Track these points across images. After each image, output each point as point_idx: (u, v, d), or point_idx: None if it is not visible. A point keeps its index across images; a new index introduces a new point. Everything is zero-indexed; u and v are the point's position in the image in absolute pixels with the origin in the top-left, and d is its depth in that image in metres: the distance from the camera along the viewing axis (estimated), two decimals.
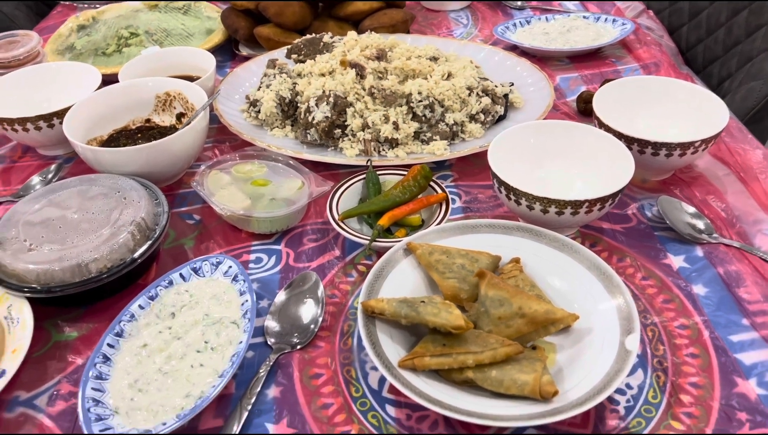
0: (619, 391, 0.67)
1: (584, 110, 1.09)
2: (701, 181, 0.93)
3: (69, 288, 0.75)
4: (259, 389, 0.68)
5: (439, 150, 0.97)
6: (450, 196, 0.92)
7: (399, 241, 0.79)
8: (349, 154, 0.98)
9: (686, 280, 0.78)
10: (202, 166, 0.92)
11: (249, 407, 0.66)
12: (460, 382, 0.65)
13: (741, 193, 0.90)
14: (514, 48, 1.28)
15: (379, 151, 0.98)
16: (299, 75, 1.09)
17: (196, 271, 0.79)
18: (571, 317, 0.68)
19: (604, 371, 0.63)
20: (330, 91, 1.00)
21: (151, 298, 0.76)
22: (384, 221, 0.83)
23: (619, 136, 0.87)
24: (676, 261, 0.81)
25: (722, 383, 0.67)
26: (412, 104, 0.99)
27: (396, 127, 0.97)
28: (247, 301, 0.74)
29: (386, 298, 0.70)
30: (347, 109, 1.00)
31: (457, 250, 0.77)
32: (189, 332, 0.72)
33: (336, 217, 0.84)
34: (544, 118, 1.01)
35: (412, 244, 0.77)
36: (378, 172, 0.93)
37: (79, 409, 0.64)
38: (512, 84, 1.11)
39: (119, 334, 0.72)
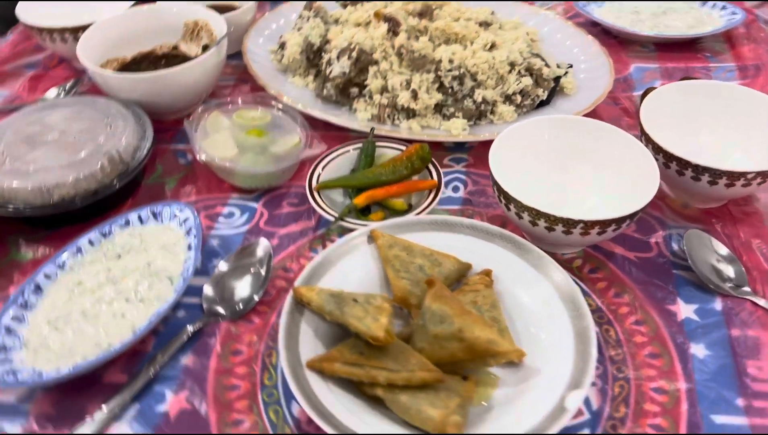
0: None
1: None
2: (754, 219, 0.77)
3: (28, 210, 0.74)
4: (172, 353, 0.64)
5: (456, 129, 0.87)
6: (454, 184, 0.83)
7: (364, 224, 0.72)
8: (360, 116, 0.90)
9: (688, 335, 0.65)
10: (202, 106, 0.88)
11: (153, 372, 0.63)
12: (370, 397, 0.58)
13: None
14: (595, 25, 1.12)
15: (393, 120, 0.89)
16: (336, 21, 1.01)
17: (155, 215, 0.76)
18: (515, 353, 0.58)
19: (530, 425, 0.54)
20: (356, 44, 0.92)
21: (104, 235, 0.74)
22: (360, 200, 0.75)
23: (657, 149, 0.73)
24: (685, 310, 0.68)
25: None
26: (440, 72, 0.89)
27: (415, 95, 0.88)
28: (190, 259, 0.70)
29: (320, 287, 0.63)
30: (370, 68, 0.91)
31: (422, 249, 0.68)
32: (126, 278, 0.70)
33: (313, 184, 0.78)
34: (589, 113, 0.88)
35: (375, 232, 0.69)
36: (381, 145, 0.84)
37: None
38: (570, 66, 0.98)
39: (61, 266, 0.71)
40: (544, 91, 0.91)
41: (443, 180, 0.83)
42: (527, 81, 0.89)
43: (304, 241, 0.77)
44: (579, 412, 0.59)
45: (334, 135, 0.90)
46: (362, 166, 0.80)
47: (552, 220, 0.66)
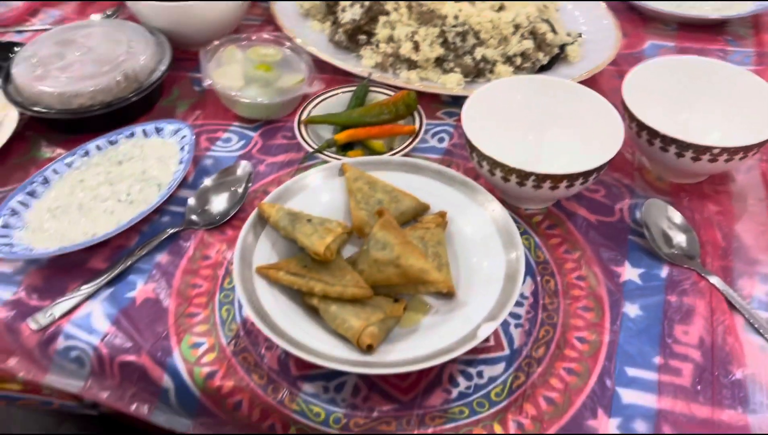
0: (466, 375, 0.61)
1: None
2: (722, 198, 0.78)
3: (50, 113, 0.83)
4: (149, 250, 0.72)
5: (451, 83, 0.90)
6: (440, 135, 0.87)
7: (338, 159, 0.77)
8: (365, 63, 0.94)
9: (625, 295, 0.68)
10: (222, 39, 0.95)
11: (129, 263, 0.70)
12: (309, 307, 0.64)
13: (761, 226, 0.74)
14: None
15: (395, 69, 0.93)
16: None
17: (158, 130, 0.83)
18: (444, 284, 0.63)
19: (439, 347, 0.59)
20: None
21: (111, 143, 0.82)
22: (341, 136, 0.80)
23: (631, 117, 0.75)
24: (629, 272, 0.70)
25: (580, 409, 0.59)
26: (444, 28, 0.92)
27: (416, 47, 0.91)
28: (179, 171, 0.77)
29: (280, 206, 0.69)
30: (380, 17, 0.95)
31: (384, 185, 0.73)
32: (122, 182, 0.78)
33: (302, 118, 0.83)
34: (590, 82, 0.89)
35: (345, 166, 0.74)
36: (375, 90, 0.89)
37: None
38: (580, 35, 0.99)
39: (69, 165, 0.80)
40: (545, 55, 0.93)
41: (431, 131, 0.87)
42: (528, 44, 0.91)
43: (289, 170, 0.83)
44: (500, 347, 0.64)
45: (339, 79, 0.95)
46: (351, 107, 0.85)
47: (522, 175, 0.69)
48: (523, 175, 0.68)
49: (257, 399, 0.60)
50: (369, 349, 0.58)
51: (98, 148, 0.82)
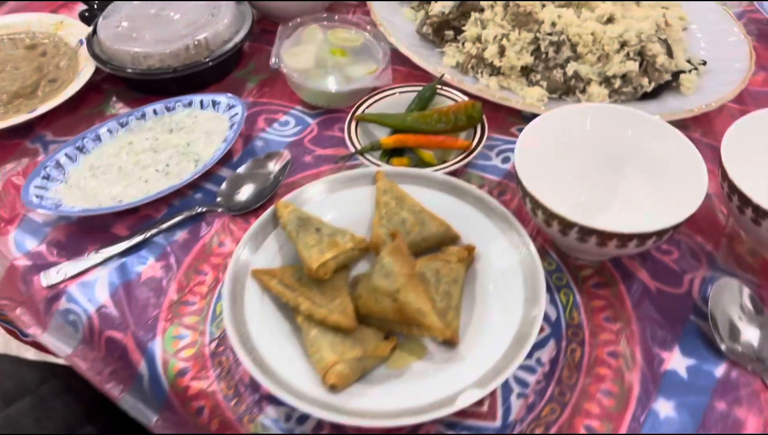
0: None
1: None
2: None
3: (125, 70, 0.84)
4: (168, 226, 0.71)
5: (531, 97, 0.80)
6: (506, 154, 0.78)
7: (378, 164, 0.71)
8: (446, 61, 0.86)
9: (662, 388, 0.57)
10: (305, 17, 0.91)
11: (148, 233, 0.70)
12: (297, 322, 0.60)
13: None
14: None
15: (476, 72, 0.85)
16: None
17: (214, 103, 0.82)
18: (439, 332, 0.56)
19: (410, 405, 0.52)
20: None
21: (167, 109, 0.82)
22: (388, 141, 0.74)
23: (724, 175, 0.62)
24: (676, 361, 0.58)
25: None
26: (538, 35, 0.82)
27: (502, 51, 0.82)
28: (220, 149, 0.75)
29: (295, 207, 0.65)
30: (473, 13, 0.87)
31: (413, 204, 0.66)
32: (165, 150, 0.77)
33: (356, 113, 0.78)
34: (701, 122, 0.76)
35: (379, 174, 0.68)
36: (445, 93, 0.80)
37: (40, 163, 0.74)
38: (704, 63, 0.84)
39: (123, 125, 0.80)
40: (650, 82, 0.80)
41: (497, 148, 0.79)
42: (632, 66, 0.79)
43: (331, 166, 0.78)
44: (492, 415, 0.56)
45: (418, 75, 0.88)
46: (411, 109, 0.78)
47: (585, 231, 0.58)
48: (585, 232, 0.58)
49: (218, 409, 0.57)
50: (333, 389, 0.53)
51: (155, 112, 0.81)
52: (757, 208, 0.59)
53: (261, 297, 0.60)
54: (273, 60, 0.84)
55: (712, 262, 0.66)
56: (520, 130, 0.80)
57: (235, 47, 0.87)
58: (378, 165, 0.71)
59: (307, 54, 0.87)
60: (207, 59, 0.85)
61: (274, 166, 0.75)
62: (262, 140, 0.82)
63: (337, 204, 0.68)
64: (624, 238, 0.57)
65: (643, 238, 0.57)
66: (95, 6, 0.98)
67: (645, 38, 0.80)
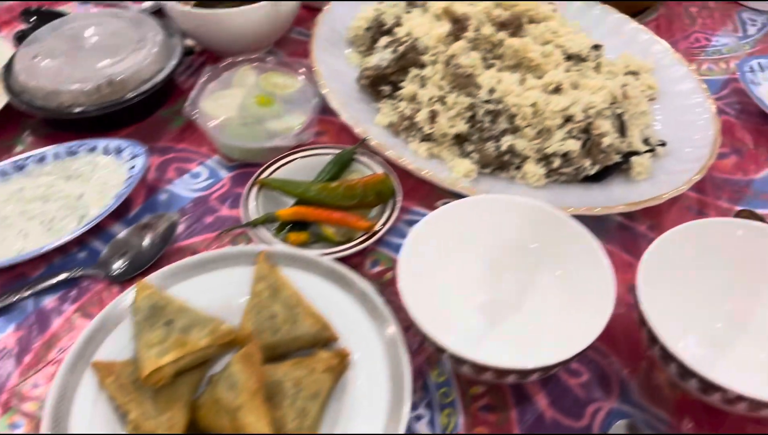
0: None
1: None
2: None
3: (31, 106, 0.79)
4: (32, 292, 0.65)
5: (459, 172, 0.72)
6: (406, 228, 0.70)
7: (265, 241, 0.64)
8: (377, 120, 0.79)
9: None
10: (240, 57, 0.84)
11: (15, 297, 0.64)
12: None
13: None
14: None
15: (408, 136, 0.77)
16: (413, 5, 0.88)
17: (118, 151, 0.76)
18: None
19: None
20: (412, 38, 0.79)
21: (71, 153, 0.76)
22: (285, 213, 0.67)
23: (636, 300, 0.53)
24: None
25: None
26: (475, 101, 0.74)
27: (433, 117, 0.74)
28: (107, 206, 0.69)
29: (155, 289, 0.58)
30: (413, 69, 0.79)
31: (289, 296, 0.58)
32: (57, 201, 0.71)
33: (261, 175, 0.71)
34: (651, 214, 0.67)
35: (262, 254, 0.61)
36: (364, 162, 0.73)
37: None
38: (663, 144, 0.75)
39: (19, 168, 0.75)
40: (594, 164, 0.71)
41: (416, 222, 0.71)
42: (572, 145, 0.70)
43: (221, 229, 0.71)
44: None
45: (347, 132, 0.80)
46: (322, 176, 0.71)
47: (477, 368, 0.50)
48: (477, 369, 0.51)
49: None
50: None
51: (56, 156, 0.76)
52: (665, 352, 0.50)
53: (96, 395, 0.54)
54: (187, 107, 0.77)
55: (625, 391, 0.58)
56: (447, 204, 0.73)
57: (153, 87, 0.81)
58: (267, 242, 0.64)
59: (231, 100, 0.80)
60: (123, 99, 0.79)
61: (157, 231, 0.69)
62: (167, 193, 0.76)
63: (214, 285, 0.61)
64: (500, 373, 0.50)
65: (523, 374, 0.50)
66: (31, 26, 0.93)
67: (594, 114, 0.71)
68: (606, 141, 0.70)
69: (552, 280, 0.60)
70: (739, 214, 0.68)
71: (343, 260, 0.64)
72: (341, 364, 0.56)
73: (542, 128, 0.72)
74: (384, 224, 0.66)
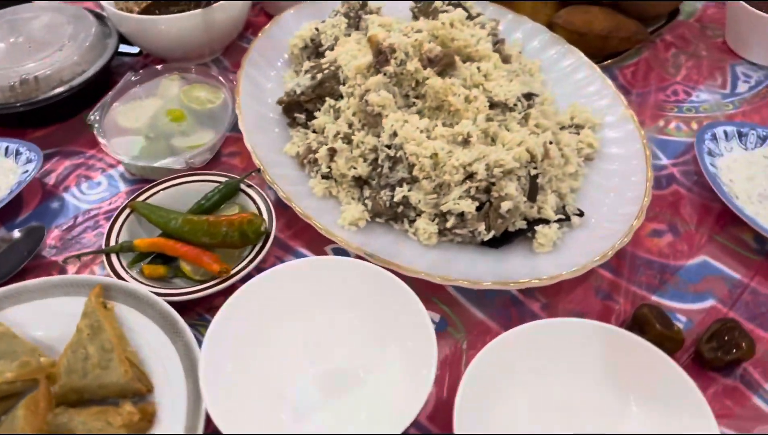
0: None
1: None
2: None
3: None
4: None
5: (344, 220, 0.66)
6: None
7: (111, 273, 0.61)
8: (286, 148, 0.74)
9: None
10: (168, 64, 0.81)
11: None
12: None
13: None
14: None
15: (311, 171, 0.72)
16: (357, 26, 0.82)
17: (17, 154, 0.74)
18: None
19: None
20: (335, 65, 0.74)
21: None
22: (142, 244, 0.63)
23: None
24: None
25: None
26: (378, 143, 0.68)
27: (332, 155, 0.69)
28: None
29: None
30: (328, 99, 0.74)
31: (109, 338, 0.55)
32: None
33: (136, 199, 0.68)
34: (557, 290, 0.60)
35: (95, 289, 0.58)
36: (251, 195, 0.68)
37: None
38: (581, 214, 0.67)
39: None
40: (489, 229, 0.64)
41: None
42: (467, 205, 0.63)
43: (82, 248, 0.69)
44: None
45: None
46: (201, 204, 0.67)
47: None
48: None
49: None
50: None
51: None
52: None
53: None
54: (91, 115, 0.75)
55: None
56: (336, 251, 0.69)
57: (69, 90, 0.79)
58: (117, 273, 0.61)
59: (145, 111, 0.78)
60: (35, 99, 0.78)
61: (21, 244, 0.67)
62: (60, 202, 0.74)
63: (54, 314, 0.59)
64: None
65: None
66: None
67: (500, 173, 0.64)
68: (505, 205, 0.63)
69: (392, 351, 0.55)
70: (639, 309, 0.59)
71: (194, 303, 0.61)
72: (142, 420, 0.52)
73: (441, 182, 0.65)
74: (240, 271, 0.61)
